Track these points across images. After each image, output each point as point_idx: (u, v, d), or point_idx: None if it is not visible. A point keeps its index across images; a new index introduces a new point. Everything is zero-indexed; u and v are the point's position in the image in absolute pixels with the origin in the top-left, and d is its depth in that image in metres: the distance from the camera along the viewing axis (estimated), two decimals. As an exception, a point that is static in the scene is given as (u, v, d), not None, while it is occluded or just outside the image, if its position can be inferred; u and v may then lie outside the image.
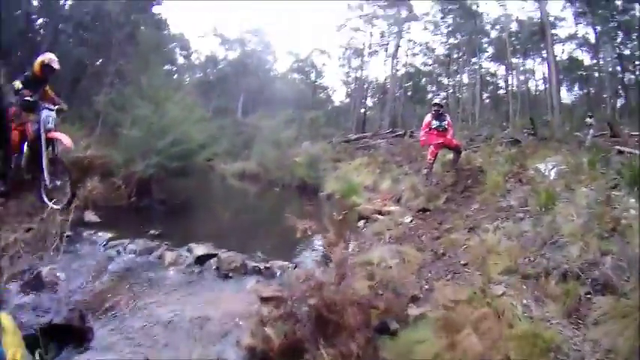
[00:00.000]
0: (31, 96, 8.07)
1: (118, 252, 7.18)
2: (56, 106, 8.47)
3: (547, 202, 7.38)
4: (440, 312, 4.74)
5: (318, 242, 8.45)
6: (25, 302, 4.84)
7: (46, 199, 7.98)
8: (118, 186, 10.84)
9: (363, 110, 51.81)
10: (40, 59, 8.41)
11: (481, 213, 8.77)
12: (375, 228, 9.75)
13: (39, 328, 4.05)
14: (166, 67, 38.81)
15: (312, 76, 59.07)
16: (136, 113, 12.67)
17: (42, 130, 8.09)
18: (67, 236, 7.11)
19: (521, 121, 27.51)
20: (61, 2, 31.41)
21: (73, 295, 5.49)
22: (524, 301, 4.99)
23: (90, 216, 8.39)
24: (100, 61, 32.27)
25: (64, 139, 8.26)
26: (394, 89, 47.74)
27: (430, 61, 52.00)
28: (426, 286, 5.72)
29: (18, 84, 7.96)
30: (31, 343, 3.31)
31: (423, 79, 52.75)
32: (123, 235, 7.81)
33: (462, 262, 6.46)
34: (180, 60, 52.35)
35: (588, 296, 4.98)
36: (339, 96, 69.34)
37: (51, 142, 8.20)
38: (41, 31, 31.19)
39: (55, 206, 7.73)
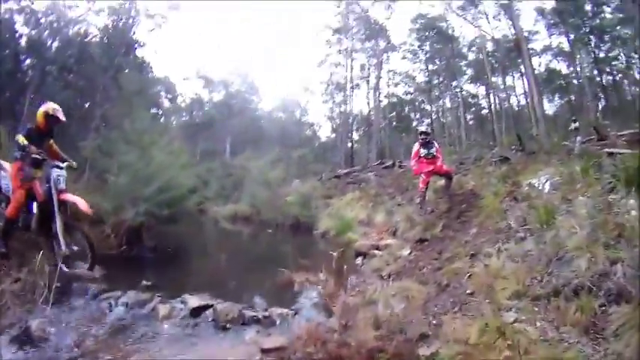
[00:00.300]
0: (39, 153, 7.75)
1: (110, 305, 6.86)
2: (65, 164, 8.20)
3: (547, 218, 7.25)
4: (453, 350, 4.52)
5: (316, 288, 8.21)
6: (14, 359, 4.73)
7: (62, 265, 7.69)
8: (107, 234, 10.52)
9: (349, 144, 52.08)
10: (43, 110, 8.07)
11: (480, 237, 8.61)
12: (374, 264, 9.62)
13: None
14: (152, 110, 39.01)
15: (297, 114, 59.93)
16: (122, 159, 12.48)
17: (54, 191, 7.81)
18: (57, 287, 6.73)
19: (507, 139, 27.77)
20: (48, 44, 31.81)
21: (63, 351, 5.32)
22: (538, 324, 4.80)
23: (80, 266, 8.07)
24: (87, 105, 32.62)
25: (80, 203, 8.02)
26: (379, 120, 48.15)
27: (412, 90, 52.91)
28: (434, 322, 5.48)
29: (22, 139, 7.58)
30: None
31: (407, 108, 53.45)
32: (114, 286, 7.55)
33: (468, 291, 6.24)
34: (166, 103, 52.67)
35: (603, 308, 4.81)
36: (325, 131, 70.07)
37: (63, 204, 7.93)
38: (29, 71, 31.57)
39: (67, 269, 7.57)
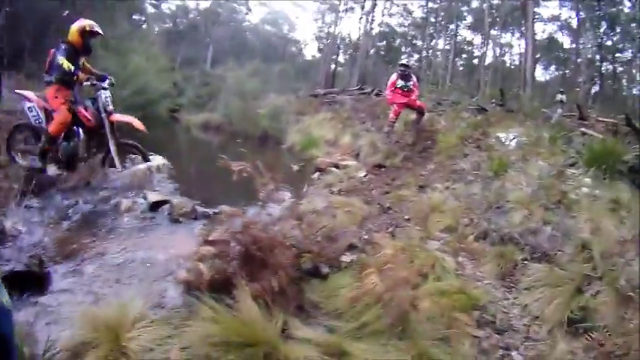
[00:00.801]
0: (88, 79, 7.65)
1: (76, 202, 7.07)
2: (106, 82, 7.96)
3: (499, 169, 7.58)
4: (359, 257, 4.88)
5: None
6: None
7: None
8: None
9: (333, 66, 51.13)
10: (78, 26, 7.73)
11: (435, 173, 8.96)
12: (328, 180, 9.82)
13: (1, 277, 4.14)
14: (135, 17, 38.29)
15: (285, 29, 58.67)
16: (100, 64, 12.16)
17: (104, 115, 7.78)
18: (30, 191, 6.97)
19: (491, 92, 27.62)
20: None
21: (33, 244, 5.52)
22: (460, 259, 5.10)
23: (52, 169, 8.17)
24: (66, 13, 31.70)
25: (134, 122, 8.04)
26: (367, 47, 47.09)
27: (406, 23, 51.50)
28: (366, 237, 5.73)
29: (67, 63, 7.31)
30: None
31: (398, 40, 52.41)
32: (84, 186, 7.74)
33: (406, 216, 6.54)
34: (150, 9, 51.12)
35: (525, 262, 5.11)
36: (310, 50, 68.47)
37: (113, 124, 7.90)
38: None
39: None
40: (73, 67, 7.38)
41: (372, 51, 48.67)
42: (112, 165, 8.12)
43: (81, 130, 7.94)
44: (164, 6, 53.75)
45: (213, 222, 6.01)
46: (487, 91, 29.45)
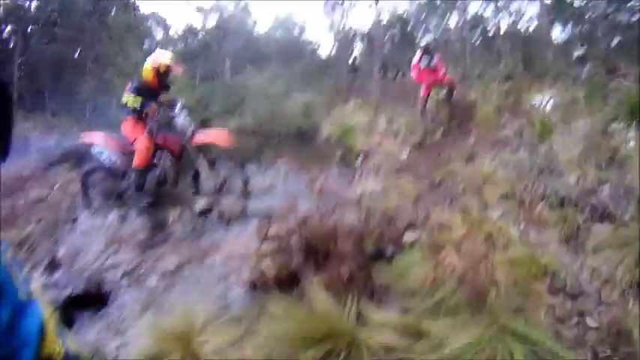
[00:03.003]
0: (155, 113, 7.53)
1: (123, 219, 7.13)
2: (178, 105, 7.83)
3: (543, 133, 7.32)
4: (429, 236, 4.70)
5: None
6: (45, 283, 4.93)
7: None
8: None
9: (352, 58, 51.00)
10: (152, 65, 7.66)
11: (478, 145, 8.70)
12: (372, 164, 9.58)
13: (61, 302, 4.32)
14: (146, 46, 39.93)
15: (296, 32, 58.43)
16: (120, 91, 12.28)
17: (185, 141, 7.75)
18: (76, 219, 7.24)
19: (513, 59, 27.15)
20: (26, 5, 31.13)
21: (88, 267, 5.56)
22: (522, 227, 4.93)
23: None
24: (78, 52, 32.28)
25: (217, 139, 7.90)
26: (381, 34, 46.79)
27: (416, 4, 50.67)
28: (423, 214, 5.57)
29: (130, 101, 7.29)
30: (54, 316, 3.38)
31: (410, 23, 51.95)
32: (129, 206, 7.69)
33: (460, 190, 6.37)
34: (159, 36, 51.68)
35: (586, 224, 4.91)
36: (325, 49, 68.38)
37: (196, 145, 7.82)
38: (11, 38, 31.14)
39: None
40: (139, 104, 7.29)
41: (386, 37, 48.31)
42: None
43: (166, 157, 7.91)
44: (171, 31, 54.40)
45: (266, 219, 5.95)
46: (510, 60, 29.04)
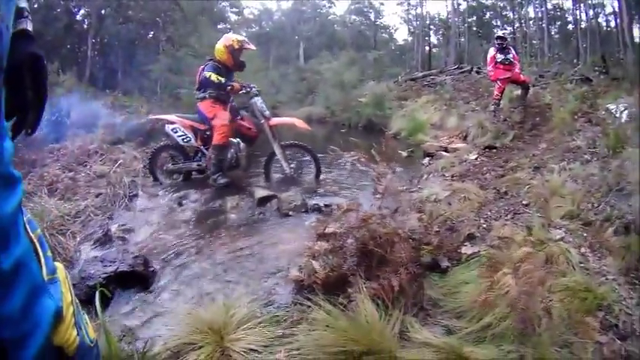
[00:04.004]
0: (243, 87, 7.85)
1: (180, 204, 7.23)
2: (254, 89, 8.03)
3: (616, 145, 6.92)
4: (488, 252, 4.46)
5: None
6: (93, 256, 5.00)
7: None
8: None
9: (427, 47, 50.26)
10: (224, 44, 7.88)
11: (548, 152, 8.41)
12: (439, 165, 9.52)
13: (105, 277, 4.30)
14: (220, 26, 39.92)
15: (372, 17, 57.18)
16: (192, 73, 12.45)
17: (263, 121, 7.93)
18: (135, 195, 7.45)
19: (592, 59, 26.39)
20: None
21: (138, 245, 5.69)
22: (582, 250, 4.60)
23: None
24: (151, 33, 32.89)
25: (296, 122, 8.25)
26: (457, 25, 46.18)
27: None
28: (484, 225, 5.40)
29: (215, 76, 7.51)
30: (98, 290, 3.37)
31: (488, 14, 50.97)
32: (189, 188, 7.92)
33: (524, 202, 6.10)
34: (233, 17, 52.15)
35: (651, 255, 4.54)
36: (401, 34, 67.87)
37: (272, 128, 8.00)
38: (85, 20, 31.98)
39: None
40: (223, 79, 7.45)
41: (463, 27, 47.62)
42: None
43: (240, 141, 8.01)
44: (246, 12, 54.67)
45: (325, 215, 5.83)
46: (588, 59, 28.20)
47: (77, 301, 1.77)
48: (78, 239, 5.64)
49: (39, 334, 1.43)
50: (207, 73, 7.53)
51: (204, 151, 8.03)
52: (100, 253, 5.11)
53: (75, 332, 1.61)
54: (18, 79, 1.49)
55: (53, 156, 9.28)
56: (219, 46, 7.86)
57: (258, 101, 7.84)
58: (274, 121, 8.01)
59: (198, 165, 8.15)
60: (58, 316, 1.51)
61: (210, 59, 7.91)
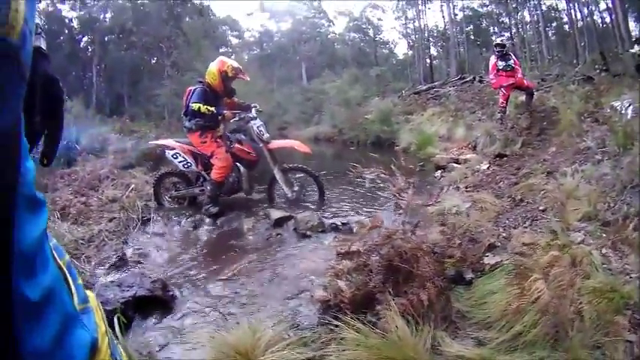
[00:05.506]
0: (235, 115, 7.72)
1: (195, 227, 7.25)
2: (253, 111, 7.97)
3: (625, 143, 6.87)
4: (514, 259, 4.43)
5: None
6: (110, 281, 4.96)
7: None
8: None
9: (428, 60, 50.36)
10: (217, 68, 7.71)
11: (559, 156, 8.39)
12: (452, 177, 9.59)
13: (123, 301, 4.30)
14: (222, 50, 40.32)
15: (371, 33, 57.91)
16: None
17: (261, 144, 7.81)
18: (148, 219, 7.43)
19: (591, 57, 26.42)
20: (101, 17, 32.14)
21: (155, 269, 5.64)
22: (604, 250, 4.56)
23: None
24: (155, 59, 33.17)
25: (295, 145, 8.07)
26: (455, 35, 46.30)
27: (487, 1, 48.93)
28: (504, 234, 5.37)
29: (203, 107, 7.24)
30: (116, 315, 3.50)
31: (484, 21, 51.06)
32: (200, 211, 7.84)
33: (541, 208, 6.07)
34: (234, 40, 53.27)
35: (673, 246, 4.50)
36: (401, 49, 68.06)
37: (272, 152, 7.91)
38: (89, 47, 32.30)
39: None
40: (213, 109, 7.29)
41: (461, 37, 47.74)
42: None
43: (240, 164, 7.95)
44: (247, 34, 55.11)
45: (343, 234, 5.93)
46: (587, 58, 28.17)
47: (111, 330, 1.74)
48: (93, 263, 5.66)
49: None
50: (194, 106, 7.28)
51: (206, 176, 7.94)
52: (116, 277, 5.11)
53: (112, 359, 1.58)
54: (30, 101, 1.41)
55: (64, 181, 9.34)
56: (213, 69, 7.72)
57: (254, 125, 7.70)
58: (273, 145, 7.91)
59: (200, 190, 8.06)
60: (94, 348, 1.48)
61: (200, 81, 7.80)
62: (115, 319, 3.29)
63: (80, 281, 1.56)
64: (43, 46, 1.48)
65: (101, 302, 3.70)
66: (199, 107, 7.23)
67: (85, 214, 7.29)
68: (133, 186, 8.90)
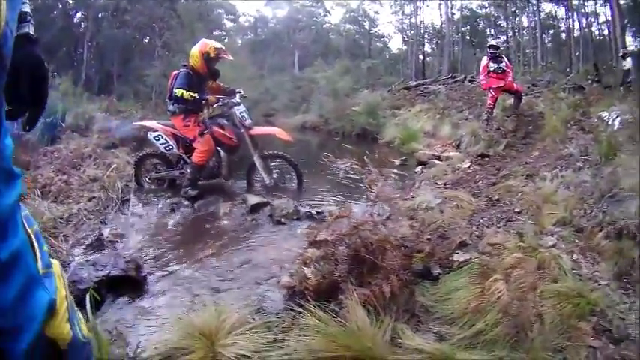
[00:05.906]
0: (218, 100, 7.71)
1: (173, 209, 7.23)
2: (237, 96, 7.98)
3: (608, 153, 6.93)
4: (480, 259, 4.44)
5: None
6: (85, 260, 4.93)
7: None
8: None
9: (421, 57, 50.50)
10: (200, 50, 7.64)
11: (541, 160, 8.43)
12: (432, 173, 9.58)
13: (97, 280, 4.26)
14: (215, 33, 39.97)
15: (366, 26, 57.62)
16: None
17: (243, 131, 7.80)
18: (127, 200, 7.48)
19: (585, 67, 26.56)
20: None
21: (131, 250, 5.66)
22: (575, 256, 4.58)
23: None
24: (147, 39, 33.03)
25: (276, 132, 8.08)
26: (451, 34, 46.39)
27: (486, 4, 48.86)
28: (476, 232, 5.38)
29: (186, 93, 7.21)
30: (88, 294, 3.39)
31: (481, 23, 51.12)
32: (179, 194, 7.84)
33: (516, 209, 6.08)
34: (229, 24, 52.62)
35: (642, 261, 4.51)
36: (395, 43, 67.90)
37: (254, 138, 7.90)
38: (82, 24, 32.14)
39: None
40: (196, 95, 7.26)
41: (457, 37, 47.81)
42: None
43: (220, 149, 7.89)
44: (242, 19, 54.80)
45: (317, 222, 5.87)
46: (581, 67, 28.35)
47: (72, 297, 1.78)
48: (70, 242, 5.64)
49: (33, 325, 1.47)
50: (177, 92, 7.28)
51: (187, 160, 7.96)
52: (92, 257, 5.06)
53: (68, 326, 1.64)
54: (16, 80, 1.51)
55: (47, 159, 9.31)
56: (195, 51, 7.68)
57: (237, 111, 7.77)
58: (255, 131, 7.91)
59: (180, 173, 8.08)
60: (52, 309, 1.54)
61: (184, 65, 7.76)
62: (87, 297, 3.23)
63: (46, 248, 1.62)
64: (32, 31, 1.67)
65: (75, 280, 3.74)
66: (182, 93, 7.23)
67: (65, 192, 7.23)
68: (114, 166, 8.85)
